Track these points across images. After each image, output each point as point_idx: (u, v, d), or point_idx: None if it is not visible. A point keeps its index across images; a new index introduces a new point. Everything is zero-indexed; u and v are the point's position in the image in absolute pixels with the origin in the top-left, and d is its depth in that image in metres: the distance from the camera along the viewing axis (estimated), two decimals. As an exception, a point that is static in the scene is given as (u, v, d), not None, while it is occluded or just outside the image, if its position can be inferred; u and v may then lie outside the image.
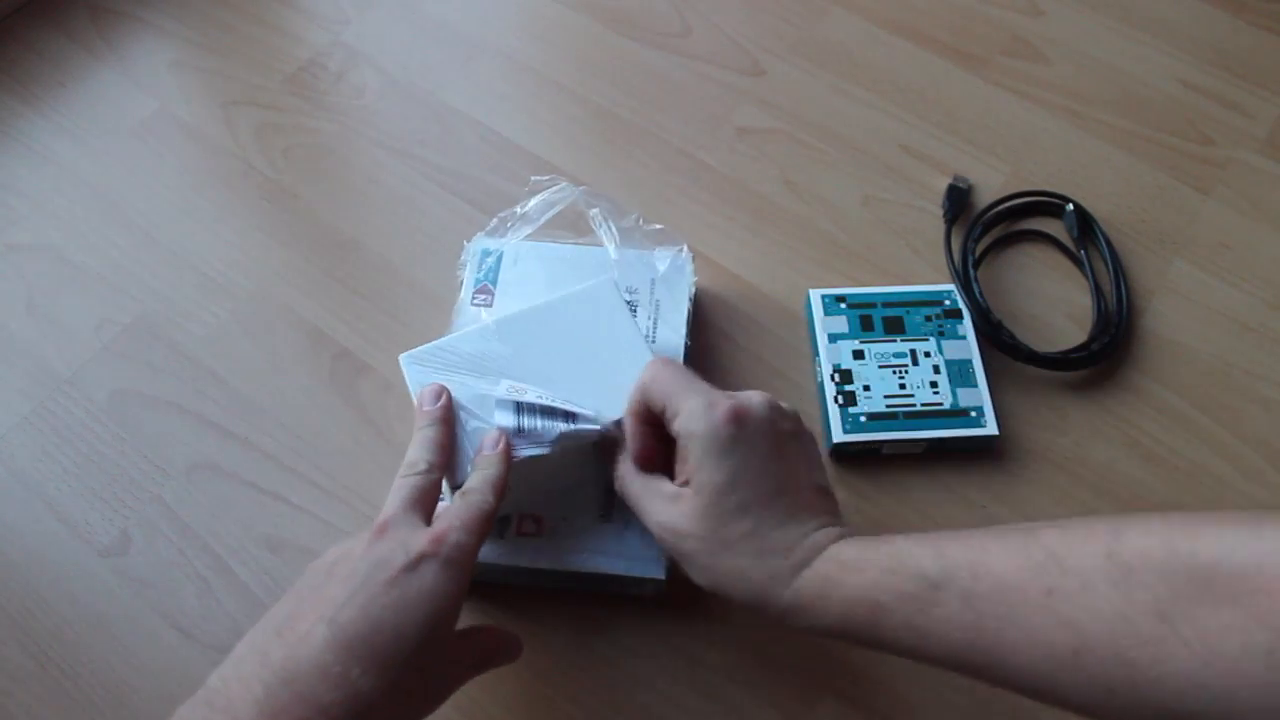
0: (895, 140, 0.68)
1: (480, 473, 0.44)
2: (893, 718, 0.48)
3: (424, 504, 0.43)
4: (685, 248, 0.58)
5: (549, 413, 0.46)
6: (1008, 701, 0.48)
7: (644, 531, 0.46)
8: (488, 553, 0.49)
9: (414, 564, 0.39)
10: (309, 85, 0.71)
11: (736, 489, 0.41)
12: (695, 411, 0.42)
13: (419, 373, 0.48)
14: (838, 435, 0.54)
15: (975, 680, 0.38)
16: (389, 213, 0.65)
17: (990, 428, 0.53)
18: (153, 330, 0.61)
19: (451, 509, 0.42)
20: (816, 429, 0.56)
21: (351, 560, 0.40)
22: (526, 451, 0.45)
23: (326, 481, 0.55)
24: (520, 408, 0.46)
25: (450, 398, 0.46)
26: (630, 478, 0.46)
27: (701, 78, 0.71)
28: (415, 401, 0.47)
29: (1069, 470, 0.55)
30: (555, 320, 0.50)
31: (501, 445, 0.45)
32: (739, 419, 0.42)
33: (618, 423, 0.47)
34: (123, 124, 0.70)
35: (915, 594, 0.38)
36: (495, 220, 0.59)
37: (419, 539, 0.40)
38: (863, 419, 0.54)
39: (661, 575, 0.49)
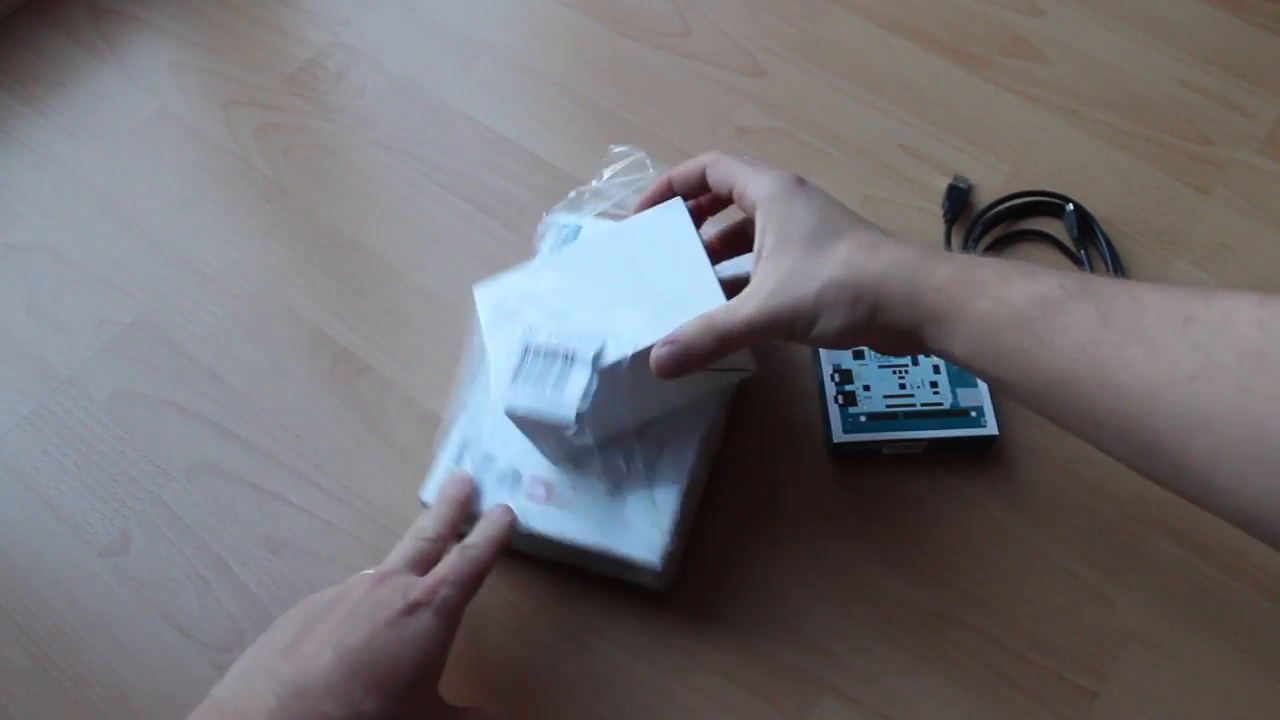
0: (895, 140, 0.68)
1: (484, 530, 0.47)
2: (892, 717, 0.48)
3: (422, 566, 0.46)
4: None
5: (565, 360, 0.47)
6: (1009, 700, 0.48)
7: (648, 514, 0.48)
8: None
9: (410, 609, 0.42)
10: (309, 85, 0.71)
11: (829, 220, 0.43)
12: (765, 177, 0.45)
13: (491, 305, 0.49)
14: (838, 435, 0.54)
15: (1062, 415, 0.37)
16: (389, 213, 0.65)
17: (990, 428, 0.53)
18: (153, 330, 0.61)
19: (449, 561, 0.45)
20: (817, 429, 0.56)
21: (352, 599, 0.43)
22: (558, 412, 0.46)
23: (326, 481, 0.55)
24: (532, 353, 0.47)
25: (472, 487, 0.50)
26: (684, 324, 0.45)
27: (701, 78, 0.71)
28: (441, 485, 0.50)
29: (1069, 470, 0.55)
30: (623, 244, 0.50)
31: (509, 517, 0.49)
32: (801, 179, 0.46)
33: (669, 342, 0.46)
34: (123, 124, 0.70)
35: (1050, 299, 0.37)
36: (573, 194, 0.59)
37: (416, 588, 0.43)
38: (863, 419, 0.54)
39: (657, 564, 0.48)
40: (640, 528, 0.49)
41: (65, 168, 0.68)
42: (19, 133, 0.70)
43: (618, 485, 0.50)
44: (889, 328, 0.41)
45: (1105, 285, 0.36)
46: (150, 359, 0.60)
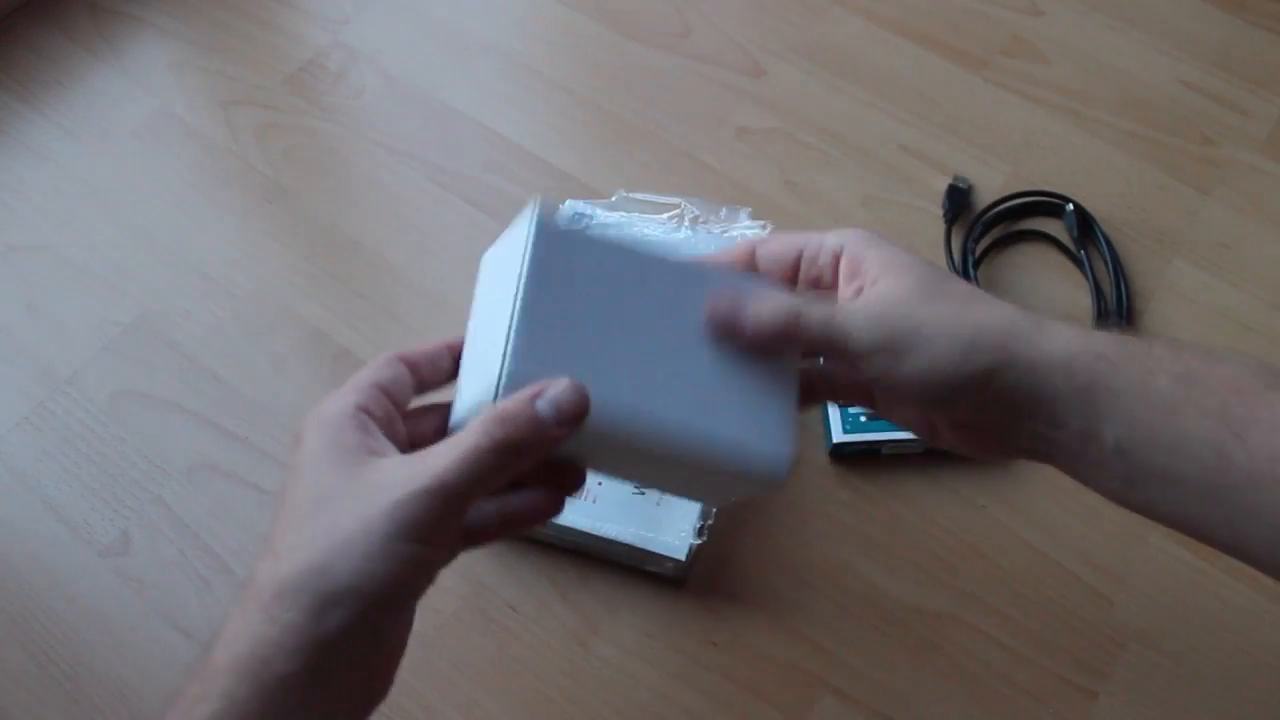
0: (895, 140, 0.68)
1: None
2: (892, 717, 0.48)
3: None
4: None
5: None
6: (1009, 700, 0.48)
7: (674, 509, 0.48)
8: None
9: (296, 439, 0.36)
10: (309, 85, 0.71)
11: (935, 267, 0.36)
12: (841, 229, 0.38)
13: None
14: (838, 435, 0.54)
15: (1243, 524, 0.32)
16: (389, 213, 0.65)
17: (990, 428, 0.53)
18: (153, 330, 0.61)
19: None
20: (817, 429, 0.56)
21: None
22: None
23: (326, 481, 0.55)
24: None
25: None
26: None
27: (701, 78, 0.71)
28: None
29: (1069, 470, 0.55)
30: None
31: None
32: None
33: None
34: (123, 124, 0.70)
35: (1245, 386, 0.32)
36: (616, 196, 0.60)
37: None
38: (862, 419, 0.54)
39: (683, 556, 0.49)
40: (667, 520, 0.50)
41: (65, 168, 0.68)
42: (19, 133, 0.69)
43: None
44: (1001, 394, 0.33)
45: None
46: (150, 359, 0.60)
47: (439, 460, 0.31)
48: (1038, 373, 0.33)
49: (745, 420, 0.35)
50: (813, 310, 0.35)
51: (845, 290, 0.37)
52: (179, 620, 0.52)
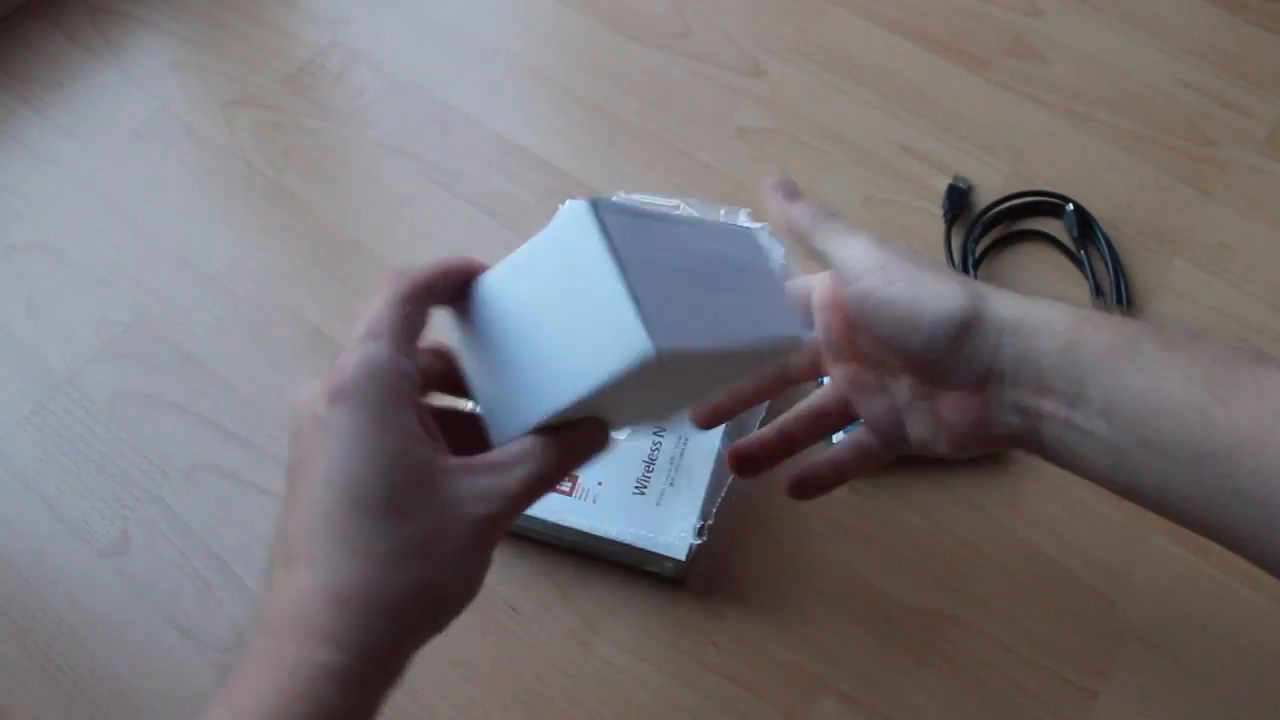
0: (895, 140, 0.68)
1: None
2: (892, 717, 0.48)
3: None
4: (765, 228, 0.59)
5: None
6: (1009, 700, 0.48)
7: (673, 509, 0.48)
8: None
9: (330, 399, 0.33)
10: (309, 85, 0.71)
11: (917, 253, 0.38)
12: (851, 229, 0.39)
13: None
14: (838, 435, 0.54)
15: (1221, 490, 0.31)
16: (389, 213, 0.65)
17: (990, 428, 0.53)
18: (153, 330, 0.61)
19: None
20: (816, 429, 0.56)
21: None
22: None
23: (326, 481, 0.55)
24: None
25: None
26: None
27: (701, 78, 0.71)
28: None
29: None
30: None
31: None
32: None
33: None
34: (123, 124, 0.70)
35: (1223, 357, 0.32)
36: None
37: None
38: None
39: (683, 556, 0.49)
40: (667, 520, 0.50)
41: (65, 168, 0.68)
42: (19, 133, 0.69)
43: (644, 477, 0.52)
44: (983, 349, 0.34)
45: (1268, 354, 0.32)
46: (150, 359, 0.60)
47: (510, 482, 0.31)
48: (1022, 330, 0.34)
49: (777, 317, 0.39)
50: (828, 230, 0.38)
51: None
52: (179, 620, 0.52)
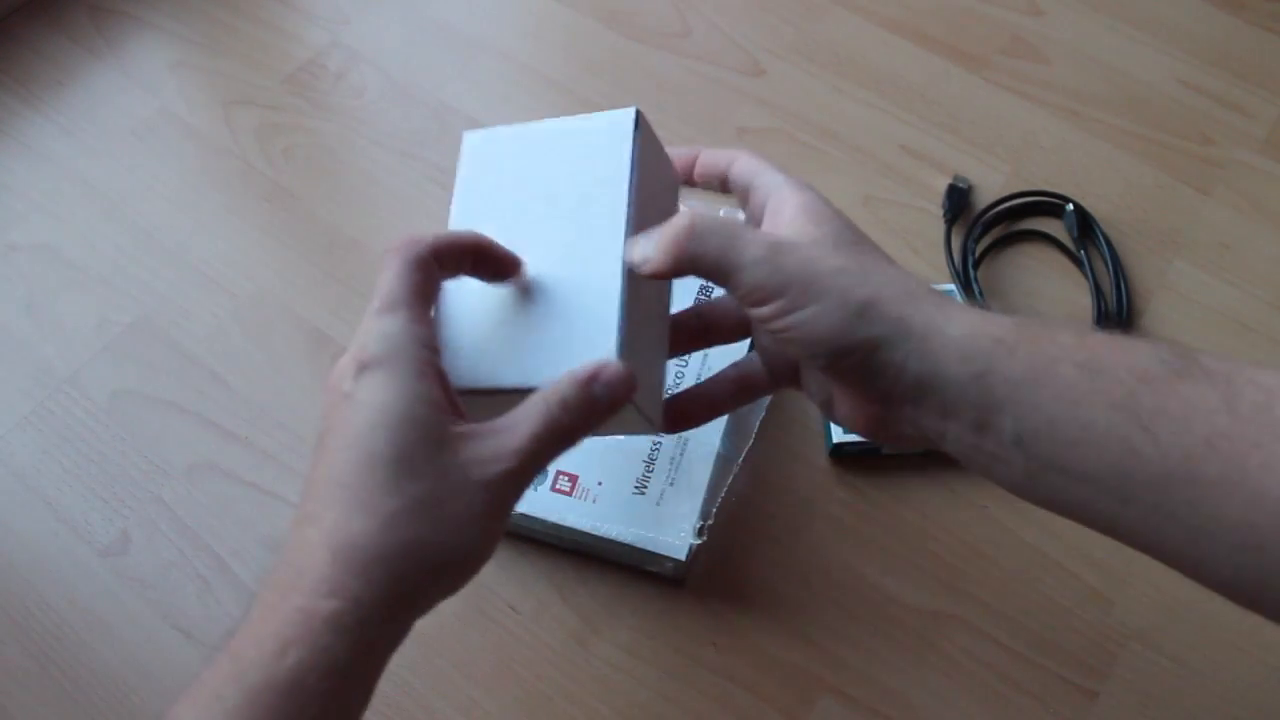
0: (895, 140, 0.68)
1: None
2: (892, 717, 0.48)
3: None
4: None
5: None
6: (1009, 700, 0.48)
7: (673, 509, 0.47)
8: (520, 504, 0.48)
9: (356, 372, 0.35)
10: (309, 85, 0.71)
11: (853, 226, 0.35)
12: (795, 180, 0.37)
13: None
14: (838, 435, 0.54)
15: (1149, 521, 0.29)
16: (389, 213, 0.65)
17: (990, 428, 0.53)
18: (153, 330, 0.61)
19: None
20: (817, 429, 0.56)
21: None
22: None
23: (326, 481, 0.55)
24: None
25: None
26: (704, 214, 0.35)
27: (701, 78, 0.71)
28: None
29: (1069, 470, 0.55)
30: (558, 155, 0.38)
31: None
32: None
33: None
34: (123, 124, 0.70)
35: (1152, 374, 0.29)
36: None
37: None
38: (863, 419, 0.54)
39: (683, 556, 0.49)
40: (667, 520, 0.50)
41: (65, 168, 0.68)
42: (19, 133, 0.69)
43: (644, 477, 0.52)
44: (888, 369, 0.32)
45: (1210, 361, 0.30)
46: (150, 359, 0.60)
47: (518, 440, 0.32)
48: (929, 353, 0.31)
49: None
50: (711, 230, 0.33)
51: (765, 228, 0.36)
52: (179, 620, 0.52)
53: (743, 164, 0.39)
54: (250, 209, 0.66)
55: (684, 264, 0.34)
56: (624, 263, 0.35)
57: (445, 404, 0.32)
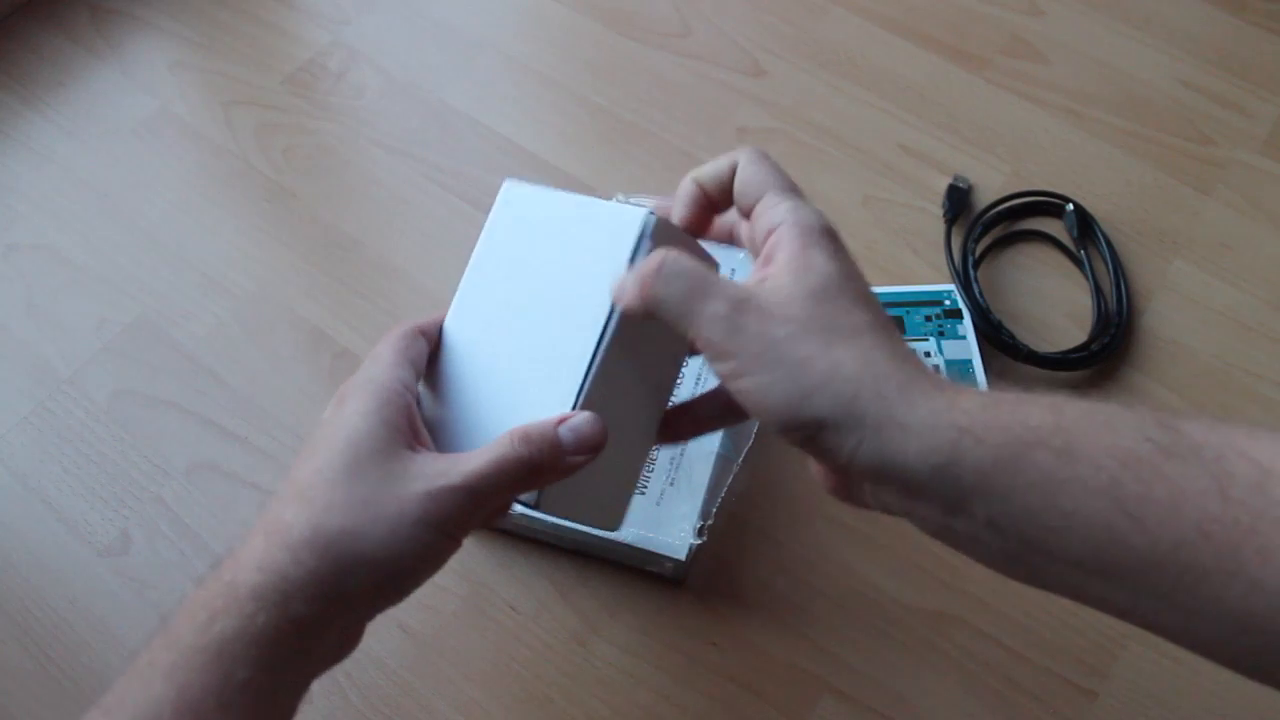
0: (895, 140, 0.68)
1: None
2: (892, 717, 0.48)
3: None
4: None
5: None
6: (1009, 700, 0.48)
7: (672, 509, 0.46)
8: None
9: (338, 401, 0.38)
10: (309, 85, 0.71)
11: (854, 280, 0.33)
12: (802, 205, 0.35)
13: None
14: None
15: (1141, 605, 0.28)
16: (389, 213, 0.65)
17: (990, 428, 0.53)
18: (153, 330, 0.61)
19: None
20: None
21: None
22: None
23: (326, 481, 0.55)
24: None
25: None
26: (678, 257, 0.33)
27: (701, 78, 0.71)
28: None
29: (1069, 470, 0.55)
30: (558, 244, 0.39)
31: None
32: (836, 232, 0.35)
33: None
34: (123, 124, 0.70)
35: (1138, 456, 0.28)
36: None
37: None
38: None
39: (683, 556, 0.49)
40: (667, 520, 0.50)
41: (65, 168, 0.68)
42: (19, 133, 0.69)
43: (644, 479, 0.52)
44: (837, 451, 0.30)
45: (1200, 434, 0.28)
46: (150, 359, 0.60)
47: (470, 463, 0.33)
48: (884, 443, 0.29)
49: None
50: (679, 273, 0.32)
51: (756, 274, 0.34)
52: (179, 620, 0.52)
53: (747, 176, 0.36)
54: (250, 209, 0.66)
55: (650, 304, 0.33)
56: (598, 350, 0.36)
57: (407, 430, 0.35)
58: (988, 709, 0.48)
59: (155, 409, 0.58)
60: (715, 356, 0.32)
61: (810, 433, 0.30)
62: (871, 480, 0.31)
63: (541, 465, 0.33)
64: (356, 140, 0.69)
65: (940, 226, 0.63)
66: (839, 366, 0.30)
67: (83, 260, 0.64)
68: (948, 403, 0.30)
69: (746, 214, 0.36)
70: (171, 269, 0.63)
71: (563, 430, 0.34)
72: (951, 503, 0.29)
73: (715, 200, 0.38)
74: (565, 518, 0.38)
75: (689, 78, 0.71)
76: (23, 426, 0.58)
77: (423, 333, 0.38)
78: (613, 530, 0.40)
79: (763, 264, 0.34)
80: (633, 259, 0.35)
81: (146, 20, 0.75)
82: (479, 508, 0.33)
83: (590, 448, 0.34)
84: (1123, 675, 0.49)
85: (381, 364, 0.36)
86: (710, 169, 0.37)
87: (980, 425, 0.29)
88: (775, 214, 0.34)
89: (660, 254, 0.33)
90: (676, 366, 0.40)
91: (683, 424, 0.41)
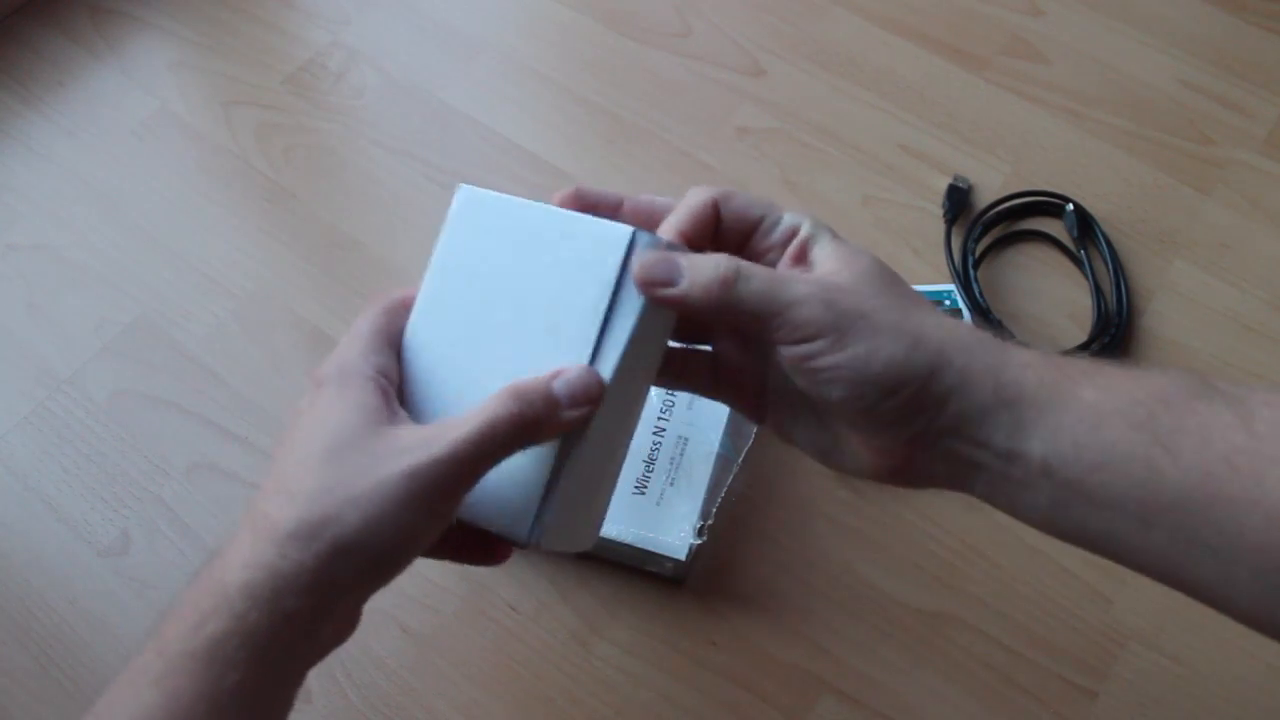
0: (895, 140, 0.68)
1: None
2: (892, 717, 0.48)
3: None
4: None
5: None
6: (1009, 700, 0.48)
7: (672, 510, 0.46)
8: None
9: (315, 385, 0.37)
10: (309, 85, 0.71)
11: (887, 267, 0.35)
12: (802, 213, 0.37)
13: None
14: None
15: (1174, 542, 0.30)
16: (389, 213, 0.65)
17: (990, 428, 0.53)
18: (153, 330, 0.61)
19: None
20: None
21: None
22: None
23: (326, 481, 0.55)
24: None
25: None
26: (739, 260, 0.34)
27: (701, 78, 0.71)
28: None
29: (1069, 470, 0.55)
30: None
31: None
32: None
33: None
34: (123, 124, 0.70)
35: (1169, 395, 0.30)
36: None
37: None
38: (863, 419, 0.54)
39: (683, 556, 0.50)
40: (667, 520, 0.50)
41: (65, 168, 0.68)
42: (19, 133, 0.69)
43: (644, 477, 0.52)
44: (931, 401, 0.32)
45: (1223, 384, 0.31)
46: (150, 359, 0.60)
47: (456, 430, 0.32)
48: (969, 383, 0.32)
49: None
50: (755, 272, 0.33)
51: (790, 269, 0.36)
52: (179, 620, 0.52)
53: (739, 200, 0.37)
54: (250, 209, 0.66)
55: (731, 301, 0.33)
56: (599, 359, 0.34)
57: (385, 410, 0.34)
58: (988, 709, 0.48)
59: (155, 409, 0.58)
60: (811, 335, 0.33)
61: (919, 386, 0.32)
62: (950, 429, 0.33)
63: (536, 422, 0.32)
64: (356, 140, 0.69)
65: (940, 226, 0.63)
66: (926, 327, 0.33)
67: (82, 260, 0.64)
68: (1008, 350, 0.33)
69: (748, 233, 0.38)
70: (171, 269, 0.63)
71: (557, 384, 0.33)
72: (1012, 445, 0.32)
73: (702, 237, 0.38)
74: (561, 549, 0.37)
75: (689, 78, 0.71)
76: (23, 426, 0.58)
77: (405, 305, 0.38)
78: (587, 549, 0.39)
79: (792, 261, 0.36)
80: (620, 273, 0.34)
81: (146, 20, 0.75)
82: (467, 477, 0.32)
83: (587, 400, 0.33)
84: (1123, 675, 0.49)
85: (358, 344, 0.35)
86: (685, 213, 0.37)
87: (1039, 364, 0.33)
88: (790, 219, 0.37)
89: (724, 258, 0.34)
90: (648, 389, 0.39)
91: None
